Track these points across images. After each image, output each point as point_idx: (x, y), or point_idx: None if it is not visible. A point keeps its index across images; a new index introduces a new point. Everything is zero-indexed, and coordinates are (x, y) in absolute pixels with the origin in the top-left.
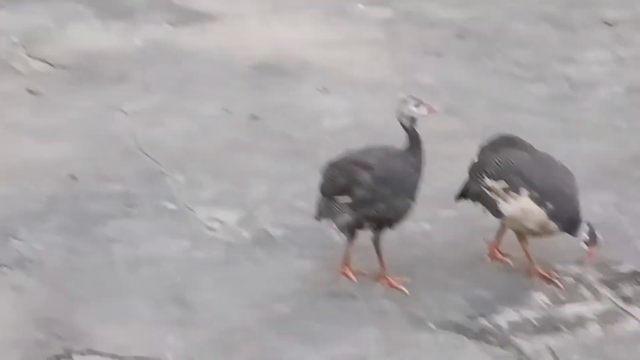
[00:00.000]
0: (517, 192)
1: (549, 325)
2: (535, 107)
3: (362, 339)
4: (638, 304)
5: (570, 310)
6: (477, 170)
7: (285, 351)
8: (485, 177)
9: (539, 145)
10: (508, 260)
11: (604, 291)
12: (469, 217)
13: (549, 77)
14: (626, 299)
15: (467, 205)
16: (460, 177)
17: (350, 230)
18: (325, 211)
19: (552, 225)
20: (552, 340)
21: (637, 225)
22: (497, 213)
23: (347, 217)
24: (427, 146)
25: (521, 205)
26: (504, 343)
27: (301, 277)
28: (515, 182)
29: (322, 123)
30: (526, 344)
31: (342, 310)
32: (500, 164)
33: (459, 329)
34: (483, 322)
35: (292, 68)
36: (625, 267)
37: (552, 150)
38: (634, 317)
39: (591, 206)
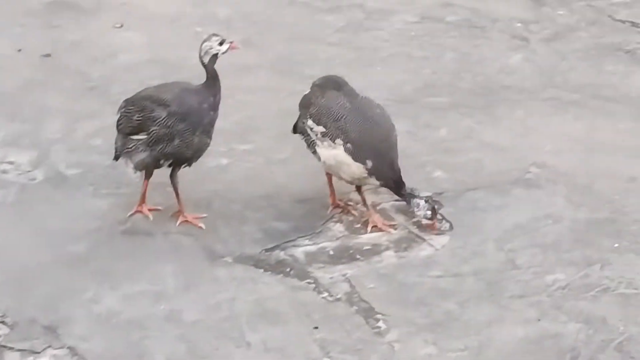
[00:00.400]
0: (333, 141)
1: (345, 255)
2: (331, 37)
3: (159, 276)
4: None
5: (366, 238)
6: (303, 107)
7: (81, 291)
8: (308, 117)
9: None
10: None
11: (399, 219)
12: (265, 150)
13: (344, 7)
14: (420, 226)
15: (263, 138)
16: (256, 110)
17: (147, 169)
18: (122, 149)
19: (373, 180)
20: (348, 269)
21: (430, 152)
22: (315, 154)
23: (143, 155)
24: (224, 79)
25: (336, 155)
26: (301, 274)
27: (97, 216)
28: (332, 130)
29: (118, 59)
30: (323, 274)
31: (138, 247)
32: (322, 108)
33: (256, 261)
34: (280, 254)
35: (87, 4)
36: (420, 194)
37: (348, 79)
38: (427, 242)
39: None
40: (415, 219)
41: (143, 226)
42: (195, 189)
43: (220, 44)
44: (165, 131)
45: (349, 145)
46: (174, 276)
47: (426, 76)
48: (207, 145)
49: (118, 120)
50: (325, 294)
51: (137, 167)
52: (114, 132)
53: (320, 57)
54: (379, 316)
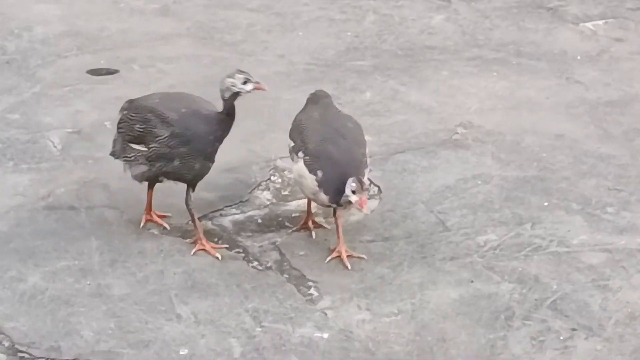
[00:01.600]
0: (297, 154)
1: (273, 223)
2: (250, 3)
3: (85, 251)
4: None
5: (294, 206)
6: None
7: (4, 269)
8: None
9: (255, 40)
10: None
11: None
12: None
13: None
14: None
15: None
16: (178, 79)
17: (146, 181)
18: (120, 155)
19: (322, 196)
20: (277, 237)
21: (356, 116)
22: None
23: (143, 169)
24: (143, 49)
25: (298, 169)
26: (230, 244)
27: (18, 191)
28: (298, 143)
29: (34, 32)
30: (252, 243)
31: (62, 223)
32: (295, 122)
33: (183, 233)
34: (207, 224)
35: None
36: None
37: (269, 45)
38: (356, 207)
39: None
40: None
41: (66, 201)
42: (117, 161)
43: (245, 82)
44: (165, 150)
45: (307, 157)
46: (99, 251)
47: (348, 39)
48: (209, 169)
49: (119, 122)
50: (255, 263)
51: (137, 179)
52: (31, 105)
53: (241, 23)
54: (310, 283)
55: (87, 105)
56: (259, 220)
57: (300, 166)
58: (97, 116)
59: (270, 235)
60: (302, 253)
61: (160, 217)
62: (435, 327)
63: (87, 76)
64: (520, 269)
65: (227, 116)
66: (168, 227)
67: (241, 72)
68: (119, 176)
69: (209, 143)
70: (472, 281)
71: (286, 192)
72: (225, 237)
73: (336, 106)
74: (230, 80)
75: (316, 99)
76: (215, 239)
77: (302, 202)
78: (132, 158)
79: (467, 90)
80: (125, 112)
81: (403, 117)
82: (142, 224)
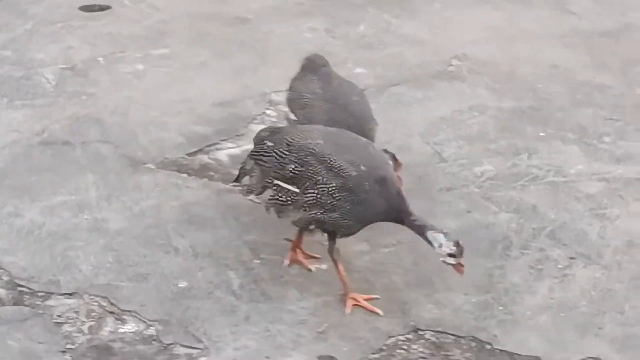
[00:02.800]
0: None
1: None
2: None
3: (81, 186)
4: None
5: None
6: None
7: (0, 206)
8: (286, 102)
9: None
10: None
11: None
12: (180, 55)
13: None
14: None
15: (177, 42)
16: (168, 14)
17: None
18: (259, 190)
19: None
20: None
21: (351, 49)
22: None
23: (298, 215)
24: None
25: None
26: (226, 177)
27: (12, 127)
28: (300, 119)
29: None
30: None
31: (57, 158)
32: (295, 93)
33: (179, 167)
34: (203, 158)
35: None
36: None
37: None
38: None
39: (303, 34)
40: None
41: (61, 136)
42: (111, 96)
43: (450, 255)
44: (327, 200)
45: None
46: (95, 186)
47: None
48: (359, 230)
49: (257, 153)
50: (252, 196)
51: (296, 224)
52: (24, 42)
53: None
54: None
55: (79, 42)
56: None
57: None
58: (90, 52)
59: None
60: None
61: (308, 257)
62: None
63: (78, 12)
64: (517, 198)
65: (400, 211)
66: (313, 270)
67: (458, 245)
68: (112, 111)
69: (376, 215)
70: (469, 211)
71: (282, 125)
72: (222, 170)
73: (335, 73)
74: (442, 240)
75: (314, 67)
76: (212, 173)
77: None
78: (282, 201)
79: (460, 21)
80: (269, 144)
81: (397, 49)
82: (286, 263)
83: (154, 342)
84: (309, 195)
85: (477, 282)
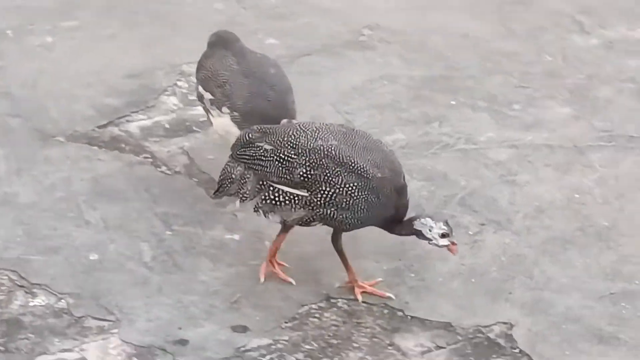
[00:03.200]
0: (220, 109)
1: (181, 127)
2: None
3: None
4: None
5: (202, 110)
6: (197, 71)
7: None
8: (199, 83)
9: None
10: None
11: None
12: (90, 26)
13: None
14: None
15: (87, 14)
16: None
17: (300, 225)
18: (255, 194)
19: None
20: (185, 142)
21: (261, 19)
22: (210, 121)
23: (301, 214)
24: None
25: (224, 124)
26: (137, 149)
27: None
28: (219, 97)
29: None
30: (159, 148)
31: None
32: (209, 71)
33: (90, 139)
34: (114, 130)
35: None
36: None
37: None
38: None
39: (214, 5)
40: None
41: None
42: (20, 69)
43: (442, 236)
44: (343, 199)
45: (235, 113)
46: (4, 159)
47: None
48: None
49: (250, 157)
50: (164, 168)
51: (291, 223)
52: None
53: None
54: None
55: None
56: (167, 125)
57: (225, 122)
58: None
59: (178, 140)
60: (211, 157)
61: (280, 265)
62: None
63: None
64: (428, 166)
65: (399, 222)
66: (294, 283)
67: (447, 224)
68: (21, 83)
69: (379, 220)
70: None
71: (193, 97)
72: (132, 142)
73: (248, 48)
74: (432, 223)
75: (224, 43)
76: (123, 145)
77: None
78: (284, 203)
79: None
80: (267, 147)
81: (308, 19)
82: (262, 277)
83: (65, 315)
84: (320, 196)
85: (388, 249)
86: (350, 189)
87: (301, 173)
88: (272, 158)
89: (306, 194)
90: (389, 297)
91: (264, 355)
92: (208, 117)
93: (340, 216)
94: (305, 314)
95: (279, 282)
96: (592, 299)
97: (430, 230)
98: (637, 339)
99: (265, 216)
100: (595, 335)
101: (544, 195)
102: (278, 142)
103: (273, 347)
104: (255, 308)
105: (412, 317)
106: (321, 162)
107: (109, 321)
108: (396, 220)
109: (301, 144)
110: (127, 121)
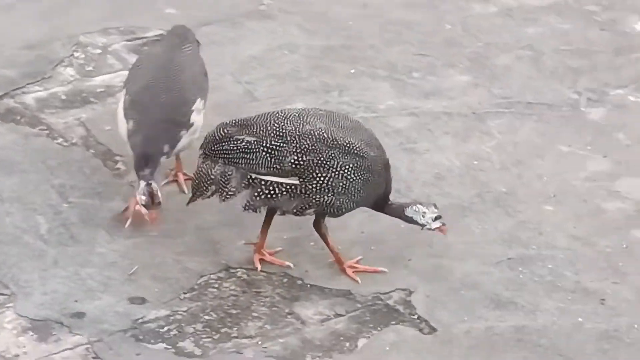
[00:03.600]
0: (124, 90)
1: (78, 98)
2: None
3: None
4: None
5: (99, 81)
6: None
7: None
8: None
9: None
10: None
11: (132, 59)
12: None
13: None
14: None
15: None
16: None
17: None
18: (238, 190)
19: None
20: (82, 113)
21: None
22: None
23: (294, 203)
24: None
25: (118, 107)
26: (33, 121)
27: None
28: (127, 77)
29: None
30: (56, 120)
31: None
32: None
33: None
34: (9, 102)
35: None
36: (152, 32)
37: None
38: None
39: None
40: None
41: None
42: None
43: (435, 219)
44: (339, 183)
45: (126, 97)
46: None
47: None
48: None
49: (231, 152)
50: (60, 140)
51: (286, 212)
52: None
53: None
54: (117, 158)
55: None
56: (63, 97)
57: (120, 105)
58: None
59: (74, 111)
60: (108, 128)
61: (272, 254)
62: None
63: None
64: None
65: (386, 198)
66: (292, 266)
67: (436, 207)
68: None
69: (371, 199)
70: None
71: (90, 68)
72: (28, 114)
73: (185, 45)
74: (424, 209)
75: (166, 35)
76: (18, 117)
77: (108, 77)
78: (277, 193)
79: None
80: (249, 139)
81: None
82: (258, 267)
83: None
84: (315, 181)
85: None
86: (346, 170)
87: (292, 161)
88: (257, 149)
89: (297, 182)
90: (383, 271)
91: (162, 327)
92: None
93: (338, 201)
94: (204, 284)
95: (176, 253)
96: (489, 264)
97: (423, 216)
98: (534, 303)
99: (256, 211)
100: (492, 300)
101: (443, 162)
102: (261, 132)
103: (171, 318)
104: (154, 279)
105: (311, 285)
106: (313, 147)
107: (4, 295)
108: (385, 198)
109: (289, 131)
110: (23, 93)
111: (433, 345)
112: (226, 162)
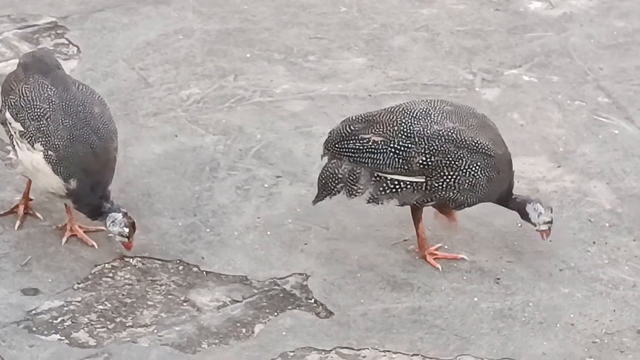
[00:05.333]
0: (32, 144)
1: None
2: None
3: None
4: (58, 55)
5: None
6: (3, 92)
7: None
8: (6, 107)
9: None
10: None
11: (24, 47)
12: None
13: None
14: None
15: None
16: None
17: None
18: (366, 187)
19: (69, 202)
20: None
21: None
22: (13, 151)
23: (417, 195)
24: None
25: (33, 160)
26: None
27: None
28: (32, 130)
29: None
30: None
31: None
32: (23, 98)
33: None
34: None
35: None
36: (44, 20)
37: None
38: None
39: None
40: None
41: None
42: None
43: (545, 223)
44: (466, 180)
45: (50, 153)
46: None
47: None
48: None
49: (357, 151)
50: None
51: (405, 205)
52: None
53: None
54: (9, 148)
55: None
56: None
57: (37, 159)
58: None
59: None
60: None
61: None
62: (140, 183)
63: None
64: (224, 120)
65: (509, 193)
66: (466, 258)
67: (552, 211)
68: None
69: (496, 195)
70: (176, 135)
71: None
72: None
73: (70, 77)
74: (541, 210)
75: (44, 69)
76: None
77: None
78: (404, 189)
79: None
80: (376, 139)
81: None
82: (437, 266)
83: None
84: (442, 180)
85: (184, 205)
86: (473, 169)
87: (420, 161)
88: (384, 150)
89: (423, 180)
90: (463, 258)
91: (55, 318)
92: (13, 146)
93: (462, 197)
94: (99, 273)
95: (71, 243)
96: (385, 246)
97: (538, 216)
98: (430, 284)
99: (380, 203)
100: (389, 282)
101: None
102: (388, 132)
103: (65, 308)
104: (47, 270)
105: (207, 272)
106: (442, 148)
107: None
108: (509, 193)
109: (417, 132)
110: None
111: (330, 328)
112: (352, 160)
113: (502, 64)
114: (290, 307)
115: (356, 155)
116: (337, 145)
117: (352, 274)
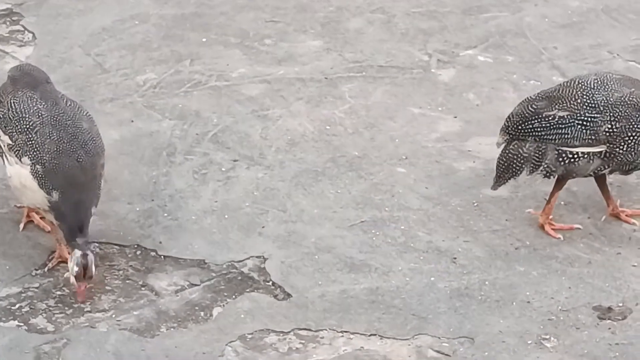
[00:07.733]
0: (20, 158)
1: None
2: None
3: None
4: (13, 42)
5: None
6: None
7: None
8: None
9: None
10: None
11: None
12: None
13: None
14: (2, 39)
15: None
16: None
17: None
18: (554, 165)
19: (50, 217)
20: None
21: None
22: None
23: (595, 164)
24: None
25: (21, 176)
26: None
27: None
28: (20, 145)
29: None
30: None
31: None
32: (11, 111)
33: None
34: None
35: None
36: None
37: None
38: (10, 55)
39: None
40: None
41: None
42: None
43: None
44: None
45: (38, 167)
46: None
47: None
48: None
49: (543, 129)
50: None
51: (567, 175)
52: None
53: None
54: None
55: None
56: None
57: (24, 174)
58: None
59: None
60: None
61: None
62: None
63: None
64: (180, 105)
65: None
66: (581, 227)
67: None
68: None
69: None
70: (132, 121)
71: None
72: None
73: (59, 91)
74: None
75: (33, 82)
76: None
77: None
78: (581, 160)
79: None
80: (561, 114)
81: None
82: (558, 236)
83: None
84: (624, 145)
85: (141, 190)
86: None
87: (606, 129)
88: (571, 123)
89: (604, 149)
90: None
91: (13, 304)
92: (3, 160)
93: (638, 159)
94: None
95: (28, 229)
96: (343, 228)
97: None
98: (387, 265)
99: (550, 177)
100: (347, 263)
101: (296, 128)
102: (573, 106)
103: (23, 295)
104: (4, 257)
105: (165, 256)
106: (625, 113)
107: None
108: None
109: (601, 101)
110: None
111: (288, 310)
112: (537, 139)
113: (458, 45)
114: (248, 290)
115: (542, 133)
116: (520, 127)
117: (310, 256)
